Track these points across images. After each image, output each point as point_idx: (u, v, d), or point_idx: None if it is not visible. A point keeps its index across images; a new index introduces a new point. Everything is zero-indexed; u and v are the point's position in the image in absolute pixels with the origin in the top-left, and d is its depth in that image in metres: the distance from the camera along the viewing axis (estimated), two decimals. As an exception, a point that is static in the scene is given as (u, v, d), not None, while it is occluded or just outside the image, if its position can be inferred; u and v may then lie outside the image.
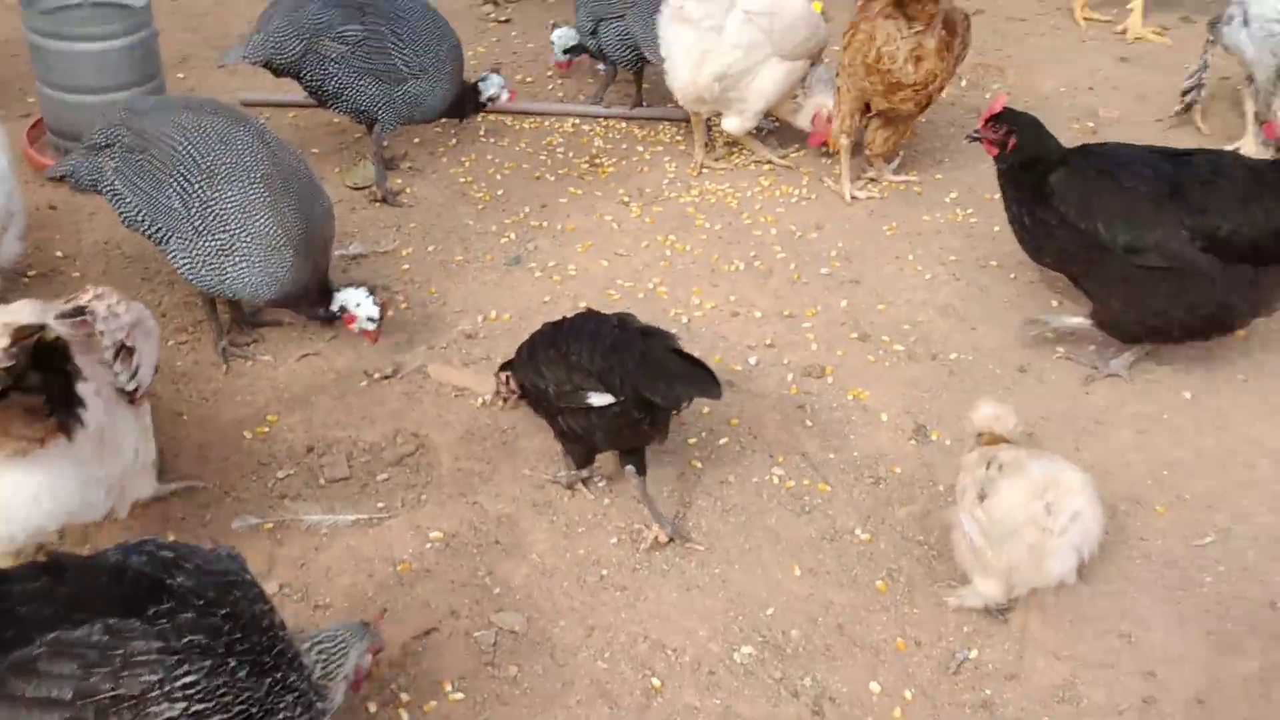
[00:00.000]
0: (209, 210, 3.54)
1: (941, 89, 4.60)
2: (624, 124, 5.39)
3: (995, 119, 3.88)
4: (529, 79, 5.71)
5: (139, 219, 3.62)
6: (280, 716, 2.29)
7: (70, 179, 3.72)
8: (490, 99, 4.78)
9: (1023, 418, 3.76)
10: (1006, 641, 3.09)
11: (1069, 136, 5.36)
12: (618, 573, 3.25)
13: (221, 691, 2.17)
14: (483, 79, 4.76)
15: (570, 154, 5.16)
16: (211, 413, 3.73)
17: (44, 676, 2.05)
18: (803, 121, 4.97)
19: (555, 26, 5.55)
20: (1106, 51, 6.36)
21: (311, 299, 3.80)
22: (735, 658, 3.02)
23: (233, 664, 2.19)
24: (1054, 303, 4.32)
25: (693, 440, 3.69)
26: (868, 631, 3.11)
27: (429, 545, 3.29)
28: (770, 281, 4.44)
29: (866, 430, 3.78)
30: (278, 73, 4.53)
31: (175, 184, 3.53)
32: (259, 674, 2.24)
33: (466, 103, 4.78)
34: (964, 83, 5.92)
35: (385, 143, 4.80)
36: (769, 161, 5.11)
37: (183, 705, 2.12)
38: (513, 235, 4.61)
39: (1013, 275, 4.47)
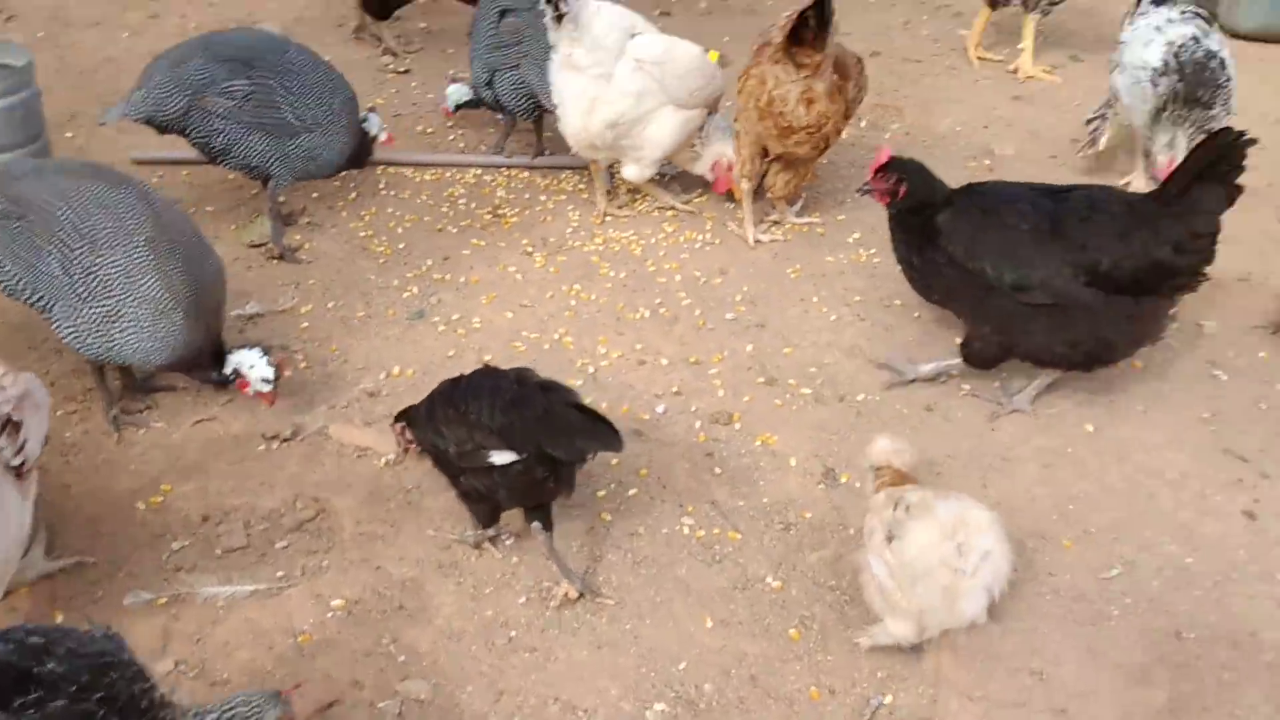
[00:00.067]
0: (92, 276, 3.43)
1: (838, 131, 4.64)
2: (527, 173, 5.36)
3: (883, 169, 3.92)
4: (429, 130, 5.67)
5: (19, 288, 3.49)
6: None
7: (-54, 248, 3.58)
8: (373, 139, 4.72)
9: (930, 456, 3.83)
10: (920, 685, 3.07)
11: (966, 174, 5.48)
12: (527, 633, 3.18)
13: (100, 777, 2.07)
14: (363, 119, 4.70)
15: (473, 205, 5.11)
16: (102, 484, 3.60)
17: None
18: (702, 170, 5.00)
19: (453, 80, 5.52)
20: (1000, 91, 6.49)
21: (205, 362, 3.70)
22: (648, 716, 2.96)
23: (109, 749, 2.09)
24: (958, 339, 4.35)
25: (602, 492, 3.64)
26: (781, 682, 3.07)
27: (330, 614, 3.19)
28: (676, 328, 4.42)
29: (775, 475, 3.76)
30: (162, 130, 4.42)
31: (55, 250, 3.42)
32: (140, 756, 2.14)
33: (364, 153, 4.72)
34: (863, 123, 6.00)
35: (281, 198, 4.72)
36: (672, 207, 5.12)
37: (58, 798, 2.01)
38: (415, 289, 4.54)
39: (916, 314, 4.50)
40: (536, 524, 3.20)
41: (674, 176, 5.31)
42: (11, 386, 2.81)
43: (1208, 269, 3.76)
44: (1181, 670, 3.15)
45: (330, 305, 4.42)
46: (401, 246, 4.79)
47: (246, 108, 4.39)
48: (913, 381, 4.13)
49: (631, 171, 4.83)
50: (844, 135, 5.72)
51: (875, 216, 5.06)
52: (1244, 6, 7.27)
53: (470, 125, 5.68)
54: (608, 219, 5.03)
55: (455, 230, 4.92)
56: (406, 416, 3.25)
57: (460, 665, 3.07)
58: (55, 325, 3.53)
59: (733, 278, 4.72)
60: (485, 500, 3.18)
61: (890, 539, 2.98)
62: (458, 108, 5.37)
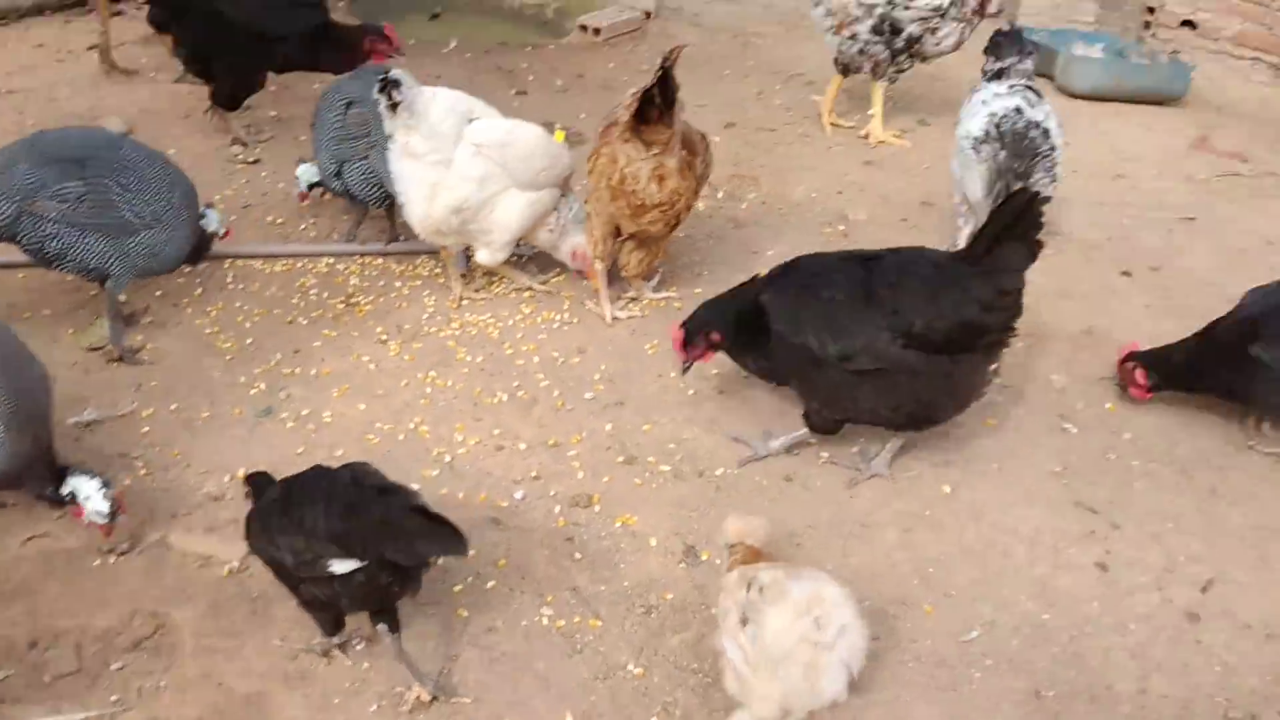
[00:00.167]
0: (-97, 393, 3.25)
1: (689, 207, 4.66)
2: (380, 260, 5.28)
3: (688, 339, 4.00)
4: (280, 220, 5.55)
5: None
6: None
7: None
8: (213, 234, 4.60)
9: (791, 527, 3.83)
10: (784, 767, 3.02)
11: (821, 240, 5.58)
12: (379, 743, 3.05)
13: None
14: (201, 215, 4.58)
15: (325, 295, 5.01)
16: (-80, 614, 3.39)
17: None
18: (563, 258, 4.98)
19: (302, 160, 5.42)
20: (852, 156, 6.63)
21: (37, 476, 3.51)
22: (506, 822, 2.86)
23: None
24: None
25: (458, 587, 3.53)
26: (643, 775, 3.00)
27: (168, 738, 3.03)
28: (534, 411, 4.36)
29: (636, 557, 3.70)
30: (-10, 237, 4.25)
31: None
32: None
33: (203, 248, 4.59)
34: (720, 194, 6.06)
35: (122, 298, 4.55)
36: (530, 288, 5.08)
37: None
38: (263, 385, 4.41)
39: (774, 385, 4.51)
40: (383, 626, 3.08)
41: (531, 256, 5.28)
42: None
43: (1017, 324, 3.84)
44: (1042, 731, 3.16)
45: (173, 407, 4.26)
46: (249, 342, 4.65)
47: (81, 209, 4.22)
48: (766, 456, 4.13)
49: (484, 256, 4.78)
50: (701, 207, 5.81)
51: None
52: (1078, 70, 7.61)
53: (322, 214, 5.58)
54: (464, 303, 4.97)
55: (306, 322, 4.81)
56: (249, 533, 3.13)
57: (308, 783, 2.94)
58: None
59: (591, 356, 4.69)
60: (328, 609, 3.06)
61: (744, 621, 2.94)
62: (310, 187, 5.27)
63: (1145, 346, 4.46)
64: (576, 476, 4.04)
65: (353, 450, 4.04)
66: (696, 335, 4.02)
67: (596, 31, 8.16)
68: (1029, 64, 5.27)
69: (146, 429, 4.15)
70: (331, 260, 5.24)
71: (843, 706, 3.08)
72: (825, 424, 4.04)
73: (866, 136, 6.83)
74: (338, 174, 5.01)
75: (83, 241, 4.25)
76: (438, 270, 5.19)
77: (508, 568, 3.62)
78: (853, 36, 6.51)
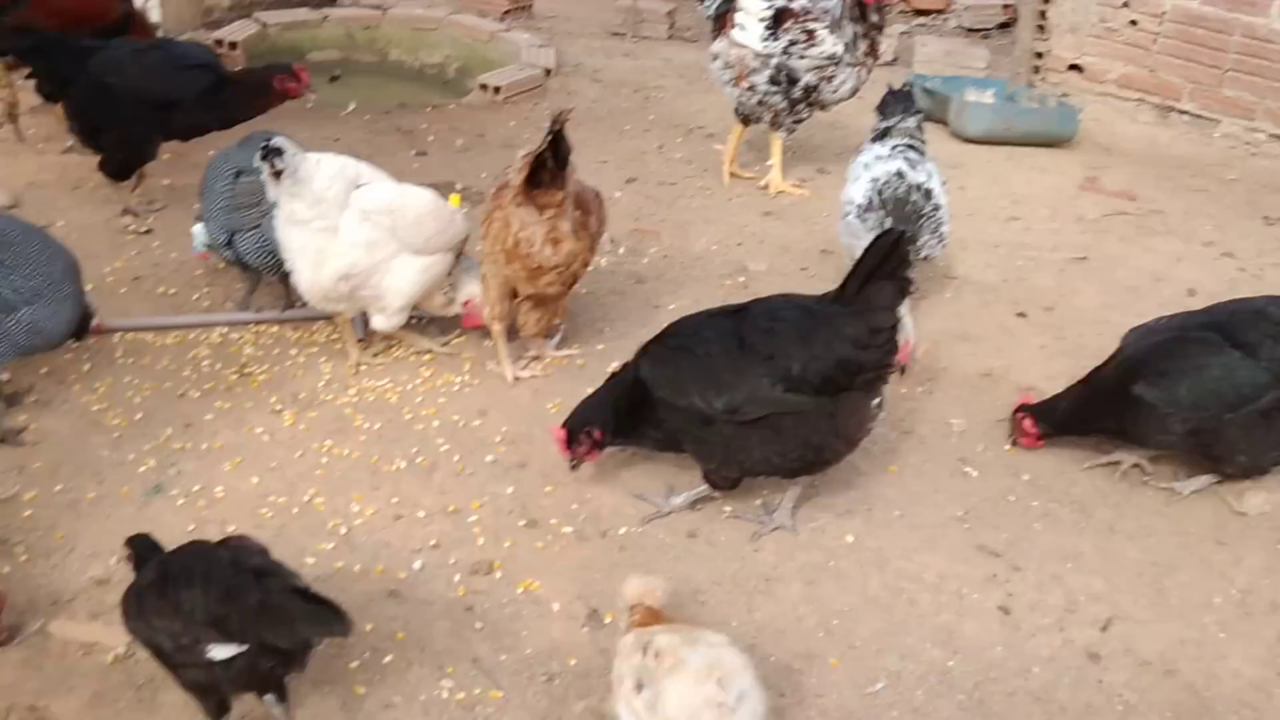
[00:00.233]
0: None
1: (586, 265, 4.65)
2: (276, 328, 5.18)
3: (570, 439, 4.01)
4: (172, 290, 5.43)
5: None
6: None
7: None
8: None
9: (695, 585, 3.79)
10: (689, 835, 2.96)
11: (723, 292, 5.60)
12: (270, 833, 2.94)
13: None
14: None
15: (218, 366, 4.89)
16: None
17: None
18: (455, 311, 4.94)
19: (198, 220, 5.30)
20: (752, 207, 6.69)
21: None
22: None
23: None
24: (716, 462, 4.36)
25: (355, 664, 3.44)
26: None
27: (45, 842, 2.89)
28: (434, 477, 4.29)
29: (539, 623, 3.64)
30: None
31: None
32: None
33: (86, 324, 4.47)
34: (622, 250, 6.07)
35: (5, 376, 4.42)
36: (430, 351, 5.02)
37: None
38: (153, 462, 4.28)
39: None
40: (270, 698, 3.00)
41: (430, 320, 5.22)
42: None
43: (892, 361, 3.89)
44: (947, 782, 3.14)
45: (57, 489, 4.12)
46: (139, 417, 4.52)
47: (-43, 288, 4.10)
48: (670, 513, 4.10)
49: (379, 321, 4.72)
50: (603, 263, 5.82)
51: (635, 343, 5.07)
52: (970, 115, 7.78)
53: (216, 282, 5.48)
54: (362, 368, 4.89)
55: (198, 395, 4.69)
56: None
57: None
58: None
59: (492, 418, 4.64)
60: (211, 692, 2.96)
61: (639, 687, 2.89)
62: (207, 248, 5.15)
63: (1040, 388, 4.55)
64: (477, 543, 3.97)
65: (245, 526, 3.93)
66: (579, 435, 4.01)
67: (496, 90, 8.16)
68: (912, 122, 5.37)
69: (29, 512, 4.00)
70: (225, 330, 5.13)
71: (748, 768, 3.04)
72: (725, 480, 4.02)
73: (766, 187, 6.90)
74: (229, 243, 4.92)
75: (-41, 320, 4.12)
76: (335, 336, 5.11)
77: (406, 641, 3.54)
78: (751, 88, 6.58)
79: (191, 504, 4.09)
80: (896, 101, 5.45)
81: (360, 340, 4.97)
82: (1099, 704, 3.43)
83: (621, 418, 4.01)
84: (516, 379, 4.84)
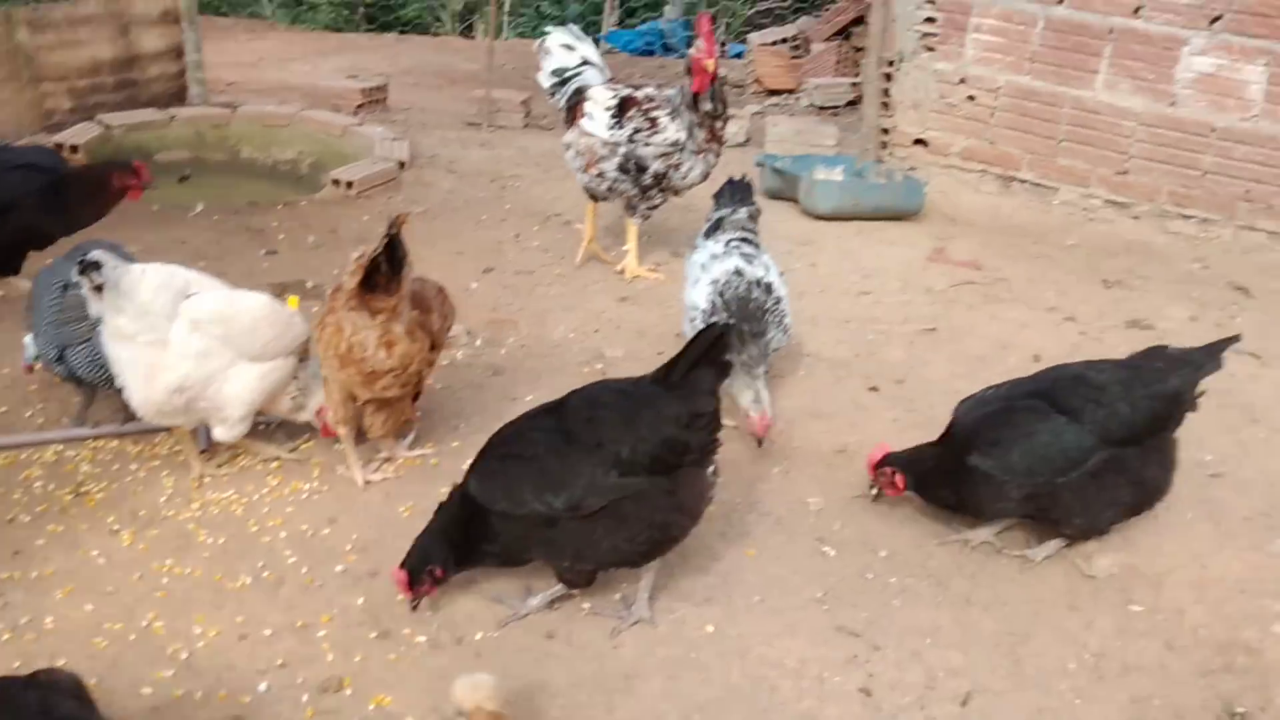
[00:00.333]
0: None
1: (430, 364, 4.58)
2: (115, 442, 4.97)
3: (412, 580, 3.89)
4: (2, 409, 5.19)
5: None
6: None
7: None
8: None
9: (554, 687, 3.70)
10: None
11: (580, 381, 5.47)
12: None
13: None
14: None
15: (51, 486, 4.66)
16: None
17: None
18: (308, 418, 4.81)
19: (28, 330, 5.09)
20: (609, 293, 6.71)
21: None
22: None
23: None
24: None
25: (194, 800, 3.26)
26: None
27: None
28: (281, 592, 4.13)
29: (391, 741, 3.51)
30: None
31: None
32: None
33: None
34: (479, 341, 6.01)
35: None
36: (278, 458, 4.87)
37: None
38: (-23, 595, 4.05)
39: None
40: None
41: (279, 424, 5.07)
42: None
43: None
44: None
45: None
46: (-38, 548, 4.28)
47: None
48: (527, 615, 4.01)
49: (221, 432, 4.57)
50: (459, 356, 5.76)
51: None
52: (819, 192, 7.97)
53: (51, 398, 5.25)
54: (206, 480, 4.71)
55: (29, 519, 4.45)
56: None
57: None
58: None
59: (343, 526, 4.50)
60: None
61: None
62: (37, 361, 4.93)
63: (894, 448, 4.56)
64: (326, 659, 3.82)
65: (77, 658, 3.72)
66: (420, 574, 3.90)
67: (349, 185, 8.09)
68: (744, 214, 5.46)
69: None
70: (60, 448, 4.91)
71: None
72: (579, 577, 3.96)
73: (622, 272, 6.93)
74: (59, 359, 4.72)
75: None
76: (179, 448, 4.92)
77: (250, 771, 3.37)
78: (600, 174, 6.65)
79: (18, 638, 3.85)
80: (733, 192, 5.54)
81: (203, 451, 4.80)
82: (961, 782, 3.43)
83: (459, 545, 3.92)
84: (367, 483, 4.72)
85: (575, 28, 7.19)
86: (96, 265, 4.00)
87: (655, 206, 6.83)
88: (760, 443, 4.88)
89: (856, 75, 11.55)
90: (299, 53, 14.28)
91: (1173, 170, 8.31)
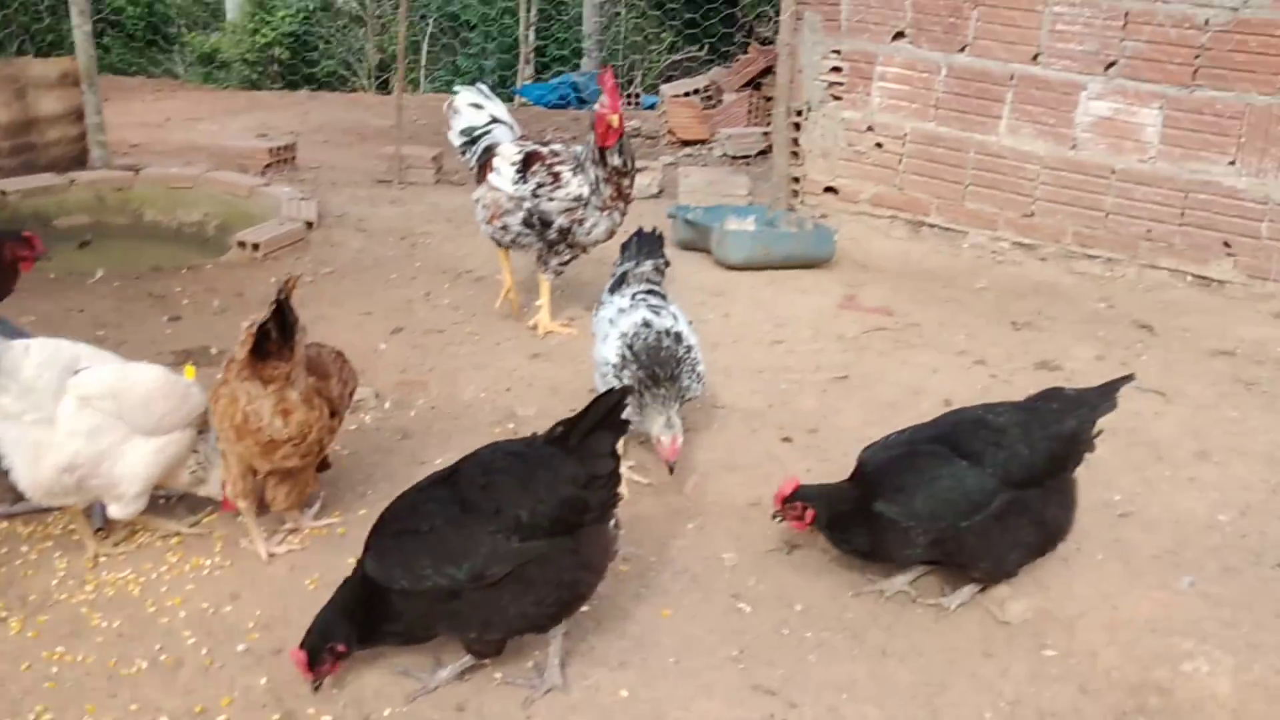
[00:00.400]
0: None
1: (331, 431, 4.47)
2: (5, 524, 4.77)
3: (312, 660, 3.75)
4: (-115, 492, 4.98)
5: None
6: None
7: None
8: None
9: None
10: None
11: (491, 439, 5.44)
12: None
13: None
14: None
15: (-64, 573, 4.47)
16: None
17: None
18: (211, 492, 4.67)
19: None
20: (521, 350, 6.64)
21: None
22: None
23: None
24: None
25: None
26: None
27: None
28: (180, 675, 3.97)
29: (293, 830, 3.37)
30: None
31: None
32: None
33: None
34: (388, 404, 5.91)
35: None
36: (178, 533, 4.71)
37: None
38: None
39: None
40: None
41: (179, 497, 4.92)
42: None
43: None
44: None
45: None
46: None
47: None
48: (436, 688, 3.90)
49: (116, 510, 4.41)
50: (368, 419, 5.65)
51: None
52: (731, 243, 8.01)
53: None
54: (101, 560, 4.54)
55: (-90, 608, 4.27)
56: None
57: None
58: None
59: (246, 602, 4.35)
60: None
61: None
62: None
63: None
64: (226, 745, 3.68)
65: (-42, 757, 3.55)
66: (320, 653, 3.77)
67: (255, 247, 7.95)
68: (648, 266, 5.45)
69: None
70: (-54, 532, 4.71)
71: None
72: (488, 647, 3.86)
73: (535, 327, 6.88)
74: (-63, 439, 4.54)
75: None
76: (73, 527, 4.75)
77: None
78: (504, 227, 6.66)
79: (-106, 741, 3.67)
80: (640, 244, 5.53)
81: (99, 530, 4.63)
82: (879, 842, 3.37)
83: (361, 624, 3.79)
84: (272, 555, 4.58)
85: (484, 86, 7.20)
86: (-26, 344, 3.87)
87: (566, 262, 6.81)
88: (671, 470, 4.83)
89: (768, 125, 11.66)
90: (207, 112, 14.11)
91: (1077, 212, 8.48)
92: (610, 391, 3.78)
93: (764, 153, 11.68)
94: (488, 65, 23.21)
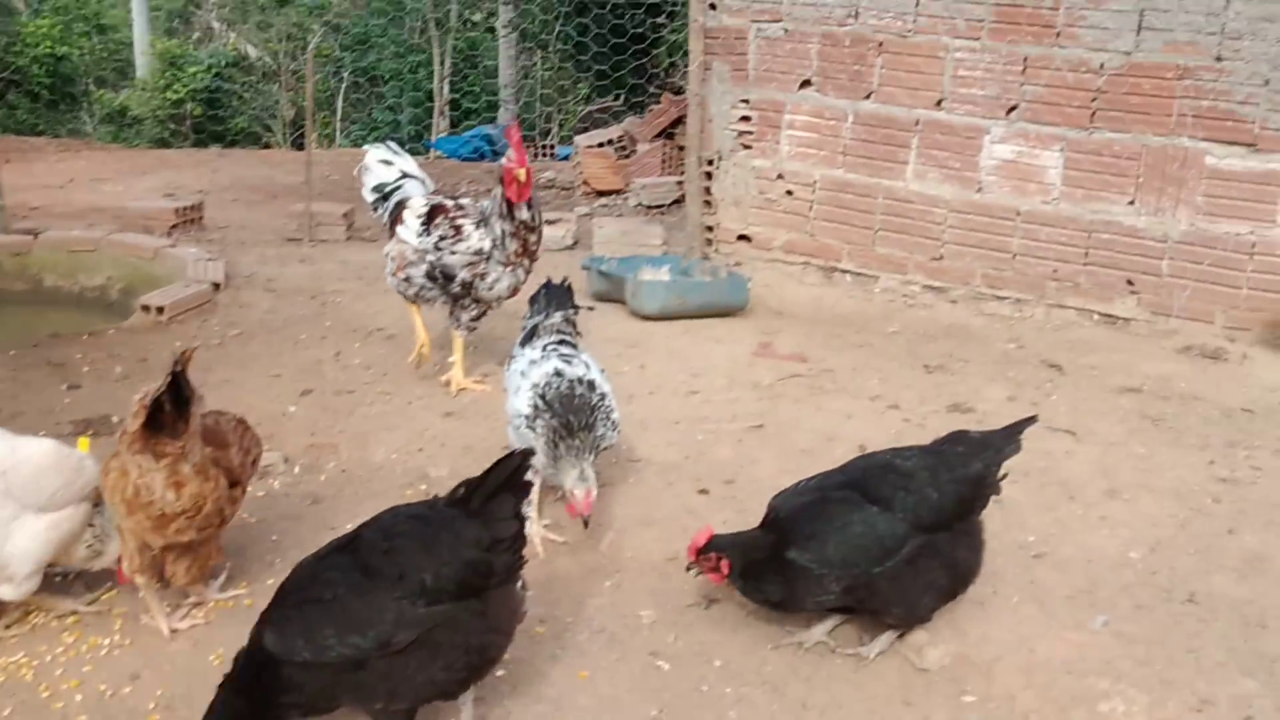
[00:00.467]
0: None
1: (233, 501, 4.32)
2: (-111, 609, 4.56)
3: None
4: None
5: None
6: None
7: None
8: None
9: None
10: None
11: (403, 501, 5.34)
12: None
13: None
14: None
15: None
16: None
17: None
18: (108, 565, 4.50)
19: None
20: (433, 409, 6.55)
21: None
22: None
23: None
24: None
25: None
26: None
27: None
28: (74, 763, 3.81)
29: None
30: None
31: None
32: None
33: None
34: (297, 469, 5.77)
35: None
36: (74, 612, 4.53)
37: None
38: None
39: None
40: None
41: (77, 574, 4.74)
42: None
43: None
44: None
45: None
46: None
47: None
48: None
49: (7, 592, 4.22)
50: (276, 485, 5.51)
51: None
52: (645, 293, 8.02)
53: None
54: (-8, 644, 4.36)
55: None
56: None
57: None
58: None
59: (146, 682, 4.18)
60: None
61: None
62: None
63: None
64: (122, 836, 3.52)
65: None
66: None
67: (160, 310, 7.76)
68: (558, 318, 5.41)
69: None
70: None
71: None
72: (397, 717, 3.74)
73: (448, 384, 6.80)
74: None
75: None
76: (-38, 610, 4.55)
77: None
78: (408, 279, 6.62)
79: None
80: (549, 296, 5.49)
81: (-11, 613, 4.44)
82: None
83: (257, 706, 3.63)
84: (174, 631, 4.42)
85: (393, 143, 7.19)
86: None
87: (477, 318, 6.75)
88: (586, 524, 4.77)
89: (681, 174, 11.75)
90: (112, 172, 13.85)
91: (984, 254, 8.64)
92: (512, 454, 3.72)
93: (678, 202, 11.75)
94: (403, 119, 23.18)
